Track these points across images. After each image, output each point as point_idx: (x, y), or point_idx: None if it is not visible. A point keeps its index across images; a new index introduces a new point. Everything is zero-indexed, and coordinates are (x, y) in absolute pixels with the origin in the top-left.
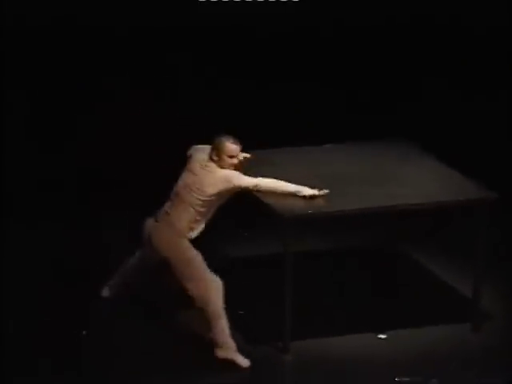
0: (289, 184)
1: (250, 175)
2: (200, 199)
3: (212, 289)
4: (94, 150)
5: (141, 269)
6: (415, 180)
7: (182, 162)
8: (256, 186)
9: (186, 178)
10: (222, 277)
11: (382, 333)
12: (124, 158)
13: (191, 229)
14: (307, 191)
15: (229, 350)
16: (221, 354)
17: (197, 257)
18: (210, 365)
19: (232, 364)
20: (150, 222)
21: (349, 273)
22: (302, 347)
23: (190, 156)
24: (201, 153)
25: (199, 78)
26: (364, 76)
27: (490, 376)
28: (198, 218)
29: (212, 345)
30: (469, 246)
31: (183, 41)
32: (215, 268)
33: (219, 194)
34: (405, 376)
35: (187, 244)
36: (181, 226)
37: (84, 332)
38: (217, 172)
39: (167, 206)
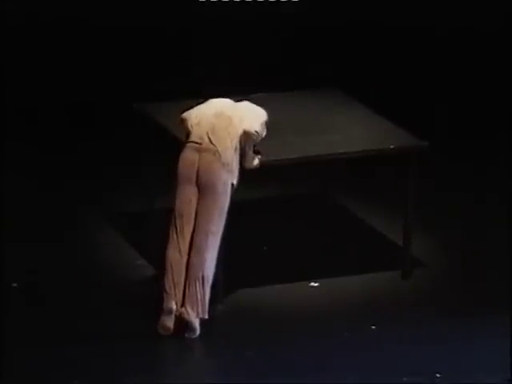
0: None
1: None
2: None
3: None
4: None
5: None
6: (347, 128)
7: None
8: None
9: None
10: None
11: (314, 281)
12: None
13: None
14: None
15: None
16: (187, 316)
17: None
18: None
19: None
20: (189, 156)
21: (281, 221)
22: (234, 297)
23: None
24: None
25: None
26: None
27: (420, 323)
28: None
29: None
30: (399, 194)
31: (182, 40)
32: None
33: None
34: (336, 323)
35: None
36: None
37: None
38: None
39: (198, 133)
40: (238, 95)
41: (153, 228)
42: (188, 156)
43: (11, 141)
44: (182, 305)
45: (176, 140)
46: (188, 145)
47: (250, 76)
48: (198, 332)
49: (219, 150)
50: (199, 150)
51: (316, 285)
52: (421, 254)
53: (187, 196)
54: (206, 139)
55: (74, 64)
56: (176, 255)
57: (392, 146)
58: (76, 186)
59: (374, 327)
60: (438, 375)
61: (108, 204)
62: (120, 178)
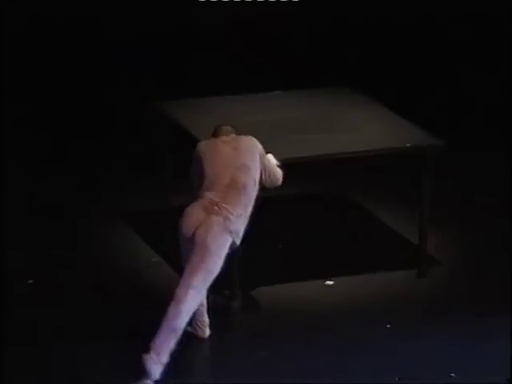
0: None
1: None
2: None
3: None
4: None
5: None
6: (363, 127)
7: None
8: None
9: (219, 162)
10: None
11: (330, 279)
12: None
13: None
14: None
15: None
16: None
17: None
18: None
19: None
20: (195, 213)
21: (296, 220)
22: (251, 294)
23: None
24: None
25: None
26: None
27: (435, 322)
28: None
29: None
30: (415, 193)
31: (183, 41)
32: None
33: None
34: (351, 322)
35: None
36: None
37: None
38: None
39: (213, 195)
40: (255, 93)
41: (168, 225)
42: (194, 214)
43: (31, 136)
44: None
45: (191, 137)
46: (200, 201)
47: (262, 74)
48: (155, 378)
49: (231, 217)
50: (208, 211)
51: (331, 283)
52: (436, 252)
53: (186, 249)
54: (221, 202)
55: (86, 61)
56: None
57: (408, 145)
58: (91, 183)
59: (388, 326)
60: (452, 375)
61: (123, 202)
62: (135, 176)
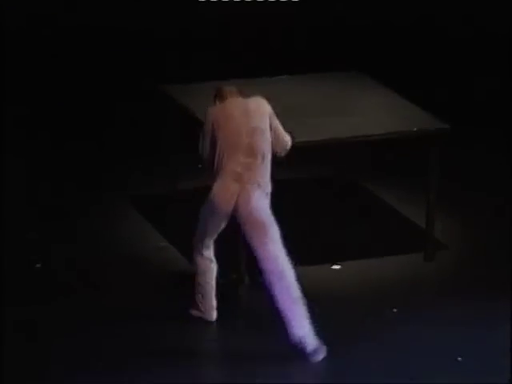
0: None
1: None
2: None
3: None
4: None
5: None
6: (371, 111)
7: None
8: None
9: (233, 127)
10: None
11: (336, 264)
12: None
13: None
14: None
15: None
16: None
17: None
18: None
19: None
20: (228, 186)
21: (303, 203)
22: (258, 278)
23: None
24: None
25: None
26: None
27: (442, 306)
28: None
29: None
30: (422, 177)
31: (183, 41)
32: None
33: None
34: (358, 306)
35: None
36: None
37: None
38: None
39: (235, 166)
40: (262, 76)
41: (175, 210)
42: (226, 187)
43: (31, 136)
44: None
45: (198, 121)
46: (225, 173)
47: (262, 74)
48: (313, 344)
49: (261, 183)
50: (239, 180)
51: (338, 267)
52: (443, 236)
53: (217, 226)
54: (246, 171)
55: (86, 61)
56: None
57: (415, 129)
58: (99, 169)
59: (395, 310)
60: (459, 359)
61: (130, 186)
62: (142, 160)
